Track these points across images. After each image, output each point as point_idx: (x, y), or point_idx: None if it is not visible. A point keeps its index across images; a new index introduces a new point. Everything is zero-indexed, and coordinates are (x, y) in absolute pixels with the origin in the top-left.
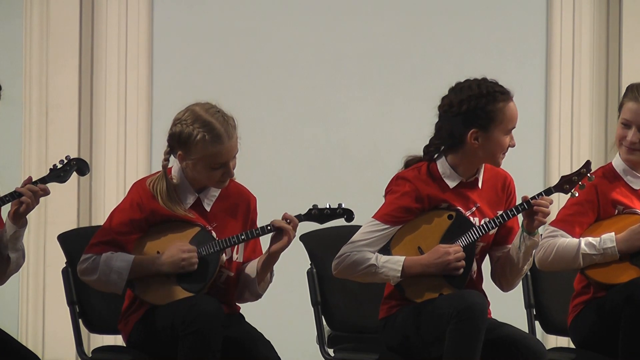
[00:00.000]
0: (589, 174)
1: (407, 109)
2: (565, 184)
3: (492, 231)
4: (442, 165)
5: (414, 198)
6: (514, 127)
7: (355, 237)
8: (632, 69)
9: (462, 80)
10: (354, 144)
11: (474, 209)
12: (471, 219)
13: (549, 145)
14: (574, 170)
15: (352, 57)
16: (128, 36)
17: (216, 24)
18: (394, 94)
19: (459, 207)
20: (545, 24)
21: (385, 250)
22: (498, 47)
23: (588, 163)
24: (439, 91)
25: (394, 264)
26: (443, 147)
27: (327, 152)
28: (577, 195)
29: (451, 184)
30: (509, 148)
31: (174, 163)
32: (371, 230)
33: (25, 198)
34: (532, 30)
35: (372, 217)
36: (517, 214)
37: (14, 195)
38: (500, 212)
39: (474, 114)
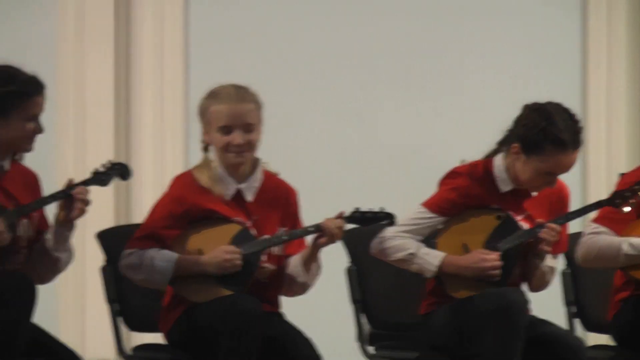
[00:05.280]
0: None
1: (442, 108)
2: (617, 198)
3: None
4: (498, 168)
5: (462, 194)
6: (557, 174)
7: (401, 221)
8: None
9: (547, 102)
10: (389, 143)
11: (524, 215)
12: (521, 224)
13: (586, 153)
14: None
15: (387, 56)
16: (164, 33)
17: (251, 22)
18: (428, 93)
19: (509, 212)
20: (580, 24)
21: (431, 240)
22: (532, 47)
23: None
24: (472, 90)
25: (432, 258)
26: (504, 149)
27: (362, 151)
28: (627, 210)
29: (503, 188)
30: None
31: (214, 158)
32: (417, 217)
33: (81, 204)
34: (566, 30)
35: (421, 204)
36: (529, 236)
37: (67, 193)
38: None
39: (533, 142)
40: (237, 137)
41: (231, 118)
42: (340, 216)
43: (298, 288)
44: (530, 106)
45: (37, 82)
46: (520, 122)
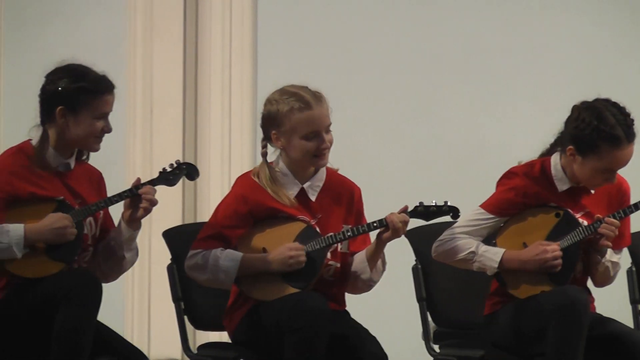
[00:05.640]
0: None
1: (509, 106)
2: None
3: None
4: (555, 167)
5: (520, 194)
6: (615, 170)
7: (460, 223)
8: None
9: (595, 99)
10: (456, 140)
11: (583, 212)
12: (580, 220)
13: None
14: None
15: (455, 54)
16: (232, 32)
17: (319, 20)
18: (495, 91)
19: (568, 209)
20: None
21: (490, 241)
22: (600, 46)
23: None
24: (540, 88)
25: (493, 254)
26: (559, 150)
27: (430, 148)
28: None
29: (561, 187)
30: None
31: (276, 157)
32: (476, 219)
33: (147, 204)
34: (636, 29)
35: (479, 205)
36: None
37: (133, 192)
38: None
39: (587, 143)
40: (325, 141)
41: (317, 123)
42: (404, 210)
43: (363, 285)
44: (579, 106)
45: (108, 81)
46: (571, 123)
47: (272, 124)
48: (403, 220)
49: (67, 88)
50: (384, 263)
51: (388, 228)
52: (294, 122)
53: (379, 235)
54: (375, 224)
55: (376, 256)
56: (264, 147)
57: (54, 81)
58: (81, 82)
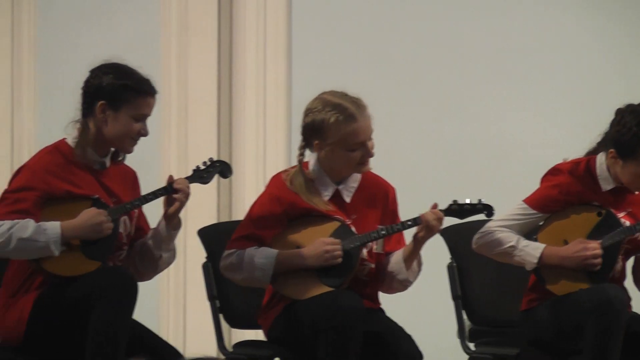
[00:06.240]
0: None
1: (541, 104)
2: None
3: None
4: (600, 167)
5: (563, 192)
6: None
7: (502, 216)
8: None
9: (637, 104)
10: (490, 138)
11: (625, 212)
12: (622, 220)
13: None
14: None
15: (487, 53)
16: (267, 31)
17: (353, 19)
18: (527, 89)
19: (610, 209)
20: None
21: (531, 236)
22: (638, 44)
23: None
24: (573, 86)
25: (533, 249)
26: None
27: (464, 146)
28: None
29: (605, 186)
30: None
31: (310, 157)
32: (518, 213)
33: (181, 195)
34: None
35: (523, 200)
36: (631, 232)
37: (168, 190)
38: None
39: (627, 147)
40: (369, 150)
41: (362, 135)
42: (435, 207)
43: (399, 285)
44: (623, 110)
45: (151, 85)
46: (614, 126)
47: (315, 133)
48: (437, 218)
49: (111, 84)
50: (419, 264)
51: (422, 226)
52: (340, 135)
53: (415, 235)
54: (409, 223)
55: (413, 256)
56: (302, 154)
57: (99, 76)
58: (126, 80)
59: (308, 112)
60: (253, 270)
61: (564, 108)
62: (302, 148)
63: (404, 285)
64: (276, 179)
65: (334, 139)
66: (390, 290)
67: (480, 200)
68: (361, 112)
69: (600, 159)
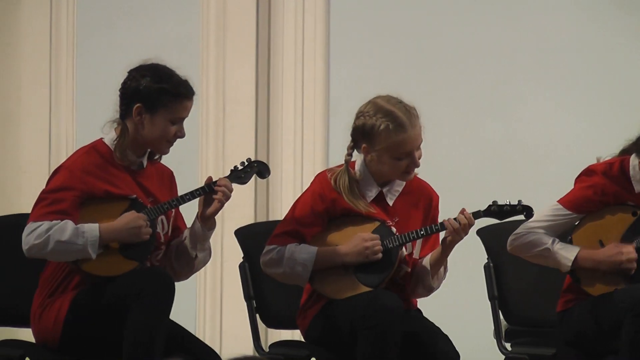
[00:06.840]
0: None
1: (584, 104)
2: None
3: None
4: (633, 168)
5: (598, 192)
6: None
7: (537, 217)
8: None
9: None
10: (531, 138)
11: None
12: None
13: None
14: None
15: (529, 52)
16: (305, 30)
17: (393, 18)
18: (570, 89)
19: None
20: None
21: (566, 237)
22: None
23: None
24: (614, 86)
25: (568, 252)
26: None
27: (504, 147)
28: None
29: (638, 187)
30: None
31: (357, 157)
32: (553, 214)
33: (221, 195)
34: None
35: (557, 201)
36: None
37: (206, 190)
38: None
39: None
40: (416, 161)
41: (410, 145)
42: (463, 212)
43: (423, 291)
44: None
45: (189, 87)
46: None
47: (364, 137)
48: (467, 222)
49: (148, 87)
50: (445, 270)
51: (451, 230)
52: (388, 143)
53: (443, 239)
54: (436, 227)
55: (440, 262)
56: (349, 154)
57: (137, 78)
58: (163, 83)
59: (360, 114)
60: (294, 265)
61: (606, 107)
62: (351, 149)
63: (428, 291)
64: (321, 176)
65: (382, 146)
66: (414, 295)
67: (519, 201)
68: (412, 123)
69: (634, 160)
